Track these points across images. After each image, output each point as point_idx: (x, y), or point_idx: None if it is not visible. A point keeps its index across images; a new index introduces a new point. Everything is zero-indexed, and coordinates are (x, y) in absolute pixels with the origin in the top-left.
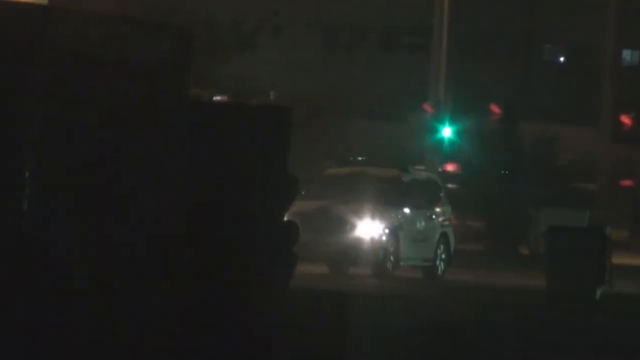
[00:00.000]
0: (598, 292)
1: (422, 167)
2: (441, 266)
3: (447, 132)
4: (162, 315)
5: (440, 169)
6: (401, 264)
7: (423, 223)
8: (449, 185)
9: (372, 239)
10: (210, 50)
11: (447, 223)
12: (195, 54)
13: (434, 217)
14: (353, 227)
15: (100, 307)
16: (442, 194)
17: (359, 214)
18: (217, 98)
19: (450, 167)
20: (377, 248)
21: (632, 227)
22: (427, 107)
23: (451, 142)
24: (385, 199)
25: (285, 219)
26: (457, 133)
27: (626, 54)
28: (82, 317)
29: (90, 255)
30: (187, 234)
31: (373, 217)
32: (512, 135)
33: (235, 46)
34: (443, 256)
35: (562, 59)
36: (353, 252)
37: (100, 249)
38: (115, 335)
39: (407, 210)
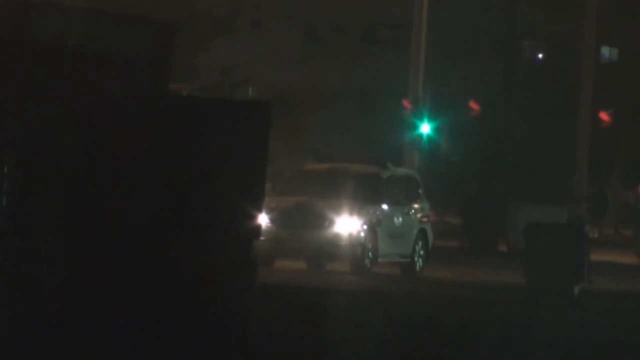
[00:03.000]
0: (576, 289)
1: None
2: (419, 262)
3: (425, 128)
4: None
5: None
6: (379, 260)
7: (401, 219)
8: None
9: (350, 235)
10: (190, 42)
11: (425, 219)
12: (176, 46)
13: (412, 213)
14: (331, 223)
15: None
16: (420, 191)
17: (337, 210)
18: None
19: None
20: (355, 244)
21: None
22: (406, 104)
23: (430, 138)
24: (364, 195)
25: (263, 215)
26: (436, 129)
27: (605, 51)
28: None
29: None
30: (161, 227)
31: (351, 213)
32: (494, 128)
33: (215, 35)
34: (421, 252)
35: (540, 55)
36: (331, 248)
37: (76, 240)
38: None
39: (385, 206)
